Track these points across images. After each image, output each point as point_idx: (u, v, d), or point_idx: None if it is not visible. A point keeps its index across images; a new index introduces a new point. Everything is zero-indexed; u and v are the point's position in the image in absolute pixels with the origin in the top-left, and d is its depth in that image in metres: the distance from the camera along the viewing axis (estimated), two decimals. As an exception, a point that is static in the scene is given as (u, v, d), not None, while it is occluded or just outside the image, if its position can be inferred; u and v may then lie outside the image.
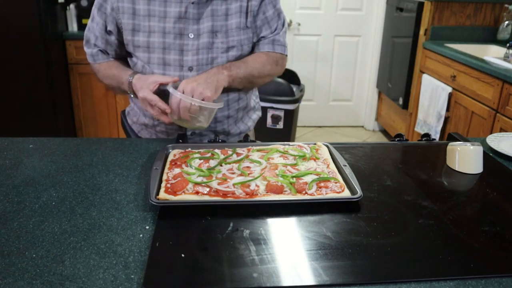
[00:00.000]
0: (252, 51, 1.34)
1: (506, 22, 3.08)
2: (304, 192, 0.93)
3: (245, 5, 1.24)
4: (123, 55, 1.34)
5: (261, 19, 1.28)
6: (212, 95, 1.15)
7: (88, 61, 1.36)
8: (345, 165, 1.04)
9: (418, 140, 1.33)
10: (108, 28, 1.27)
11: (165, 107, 1.14)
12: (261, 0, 1.27)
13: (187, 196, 0.90)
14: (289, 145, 1.15)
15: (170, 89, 1.10)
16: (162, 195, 0.89)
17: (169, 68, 1.24)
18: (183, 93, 1.12)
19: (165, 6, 1.19)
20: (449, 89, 2.78)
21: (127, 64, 1.34)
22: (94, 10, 1.28)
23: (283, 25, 1.34)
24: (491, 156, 1.22)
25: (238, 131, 1.42)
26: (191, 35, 1.21)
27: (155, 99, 1.14)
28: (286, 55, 1.38)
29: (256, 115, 1.50)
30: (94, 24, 1.29)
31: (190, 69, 1.24)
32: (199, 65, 1.24)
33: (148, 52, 1.24)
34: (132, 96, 1.29)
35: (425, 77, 3.09)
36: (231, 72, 1.23)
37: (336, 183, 0.97)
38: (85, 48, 1.34)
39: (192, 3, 1.19)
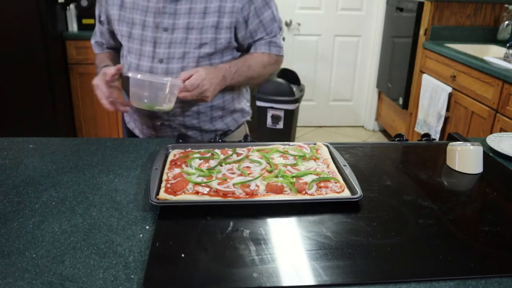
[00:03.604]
0: (247, 48, 1.38)
1: (506, 22, 3.08)
2: (304, 192, 0.93)
3: (224, 6, 1.26)
4: (117, 46, 1.43)
5: (255, 23, 1.31)
6: (208, 101, 1.27)
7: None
8: (345, 165, 1.04)
9: (418, 140, 1.33)
10: (101, 18, 1.37)
11: (105, 91, 1.22)
12: (247, 2, 1.27)
13: (187, 196, 0.90)
14: (289, 145, 1.16)
15: (129, 73, 1.16)
16: (162, 195, 0.89)
17: (143, 59, 1.30)
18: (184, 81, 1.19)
19: (148, 1, 1.26)
20: (449, 89, 2.78)
21: (118, 57, 1.44)
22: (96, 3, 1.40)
23: (280, 28, 1.38)
24: (491, 156, 1.22)
25: (213, 128, 1.43)
26: (166, 29, 1.27)
27: (99, 84, 1.24)
28: (282, 56, 1.42)
29: (242, 117, 1.50)
30: (96, 15, 1.40)
31: (161, 61, 1.29)
32: (169, 58, 1.28)
33: (129, 42, 1.31)
34: None
35: (425, 77, 3.09)
36: (232, 81, 1.31)
37: (336, 183, 0.97)
38: (91, 39, 1.49)
39: None
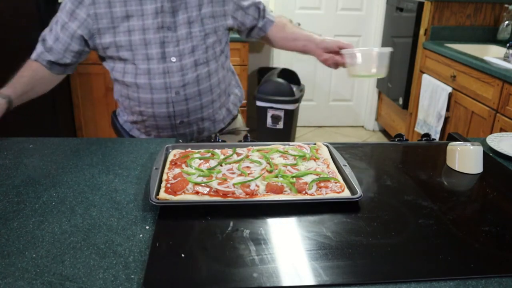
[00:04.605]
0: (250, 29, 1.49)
1: (506, 22, 3.08)
2: (304, 192, 0.93)
3: None
4: (65, 63, 1.36)
5: (251, 7, 1.43)
6: None
7: (75, 59, 1.38)
8: (345, 165, 1.04)
9: (418, 140, 1.33)
10: (79, 33, 1.28)
11: None
12: None
13: (187, 196, 0.90)
14: (289, 145, 1.16)
15: (348, 51, 1.33)
16: (162, 195, 0.89)
17: (153, 62, 1.30)
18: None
19: (141, 5, 1.26)
20: (449, 89, 2.78)
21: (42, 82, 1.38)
22: (62, 14, 1.30)
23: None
24: (491, 156, 1.22)
25: (222, 117, 1.49)
26: (169, 28, 1.29)
27: None
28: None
29: (238, 101, 1.59)
30: (58, 27, 1.31)
31: (173, 59, 1.31)
32: (181, 55, 1.31)
33: (131, 50, 1.29)
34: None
35: (425, 77, 3.09)
36: None
37: (336, 183, 0.97)
38: (39, 45, 1.37)
39: None
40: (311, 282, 0.70)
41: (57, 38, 1.32)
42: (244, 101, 3.29)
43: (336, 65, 1.41)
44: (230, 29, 1.43)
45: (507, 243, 0.82)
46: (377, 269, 0.74)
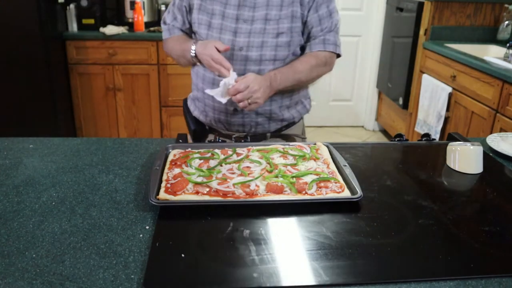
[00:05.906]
0: (302, 50, 1.44)
1: (506, 22, 3.08)
2: (304, 192, 0.93)
3: None
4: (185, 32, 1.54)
5: (314, 16, 1.39)
6: (261, 104, 1.32)
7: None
8: (345, 165, 1.04)
9: (418, 140, 1.33)
10: (184, 4, 1.46)
11: (229, 65, 1.29)
12: None
13: (187, 196, 0.90)
14: (289, 145, 1.16)
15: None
16: (162, 195, 0.89)
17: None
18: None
19: None
20: (449, 89, 2.78)
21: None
22: None
23: (335, 25, 1.44)
24: (491, 156, 1.22)
25: (281, 117, 1.49)
26: (246, 20, 1.36)
27: (219, 57, 1.29)
28: (337, 54, 1.46)
29: (304, 110, 1.57)
30: (174, 8, 1.49)
31: (240, 49, 1.38)
32: (249, 47, 1.37)
33: (208, 30, 1.40)
34: (193, 59, 1.41)
35: (425, 77, 3.09)
36: (279, 87, 1.36)
37: (336, 183, 0.97)
38: (162, 25, 1.54)
39: None
40: (311, 282, 0.70)
41: (175, 17, 1.50)
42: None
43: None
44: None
45: (507, 243, 0.82)
46: (377, 269, 0.74)
